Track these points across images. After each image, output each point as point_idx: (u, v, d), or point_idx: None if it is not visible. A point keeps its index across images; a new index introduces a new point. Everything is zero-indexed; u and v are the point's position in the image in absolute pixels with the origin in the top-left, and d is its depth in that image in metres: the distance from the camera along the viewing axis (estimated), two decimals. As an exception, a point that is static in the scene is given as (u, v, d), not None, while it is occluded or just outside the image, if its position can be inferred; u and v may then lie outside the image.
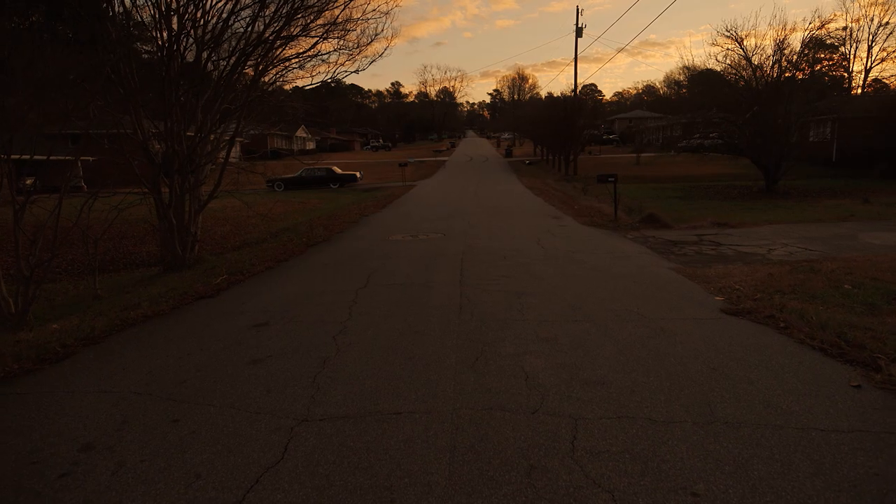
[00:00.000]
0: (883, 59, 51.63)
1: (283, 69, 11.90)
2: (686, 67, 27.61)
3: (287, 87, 13.55)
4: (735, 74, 24.38)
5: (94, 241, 9.24)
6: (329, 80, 12.40)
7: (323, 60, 12.53)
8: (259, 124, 14.62)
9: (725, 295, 6.09)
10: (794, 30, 39.17)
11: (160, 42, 9.51)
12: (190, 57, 9.90)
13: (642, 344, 4.46)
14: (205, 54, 10.09)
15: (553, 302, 5.95)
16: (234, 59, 10.11)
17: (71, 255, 13.95)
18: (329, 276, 8.10)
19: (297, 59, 11.83)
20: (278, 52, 11.62)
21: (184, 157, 10.27)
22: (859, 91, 47.43)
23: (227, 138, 11.19)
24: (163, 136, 10.05)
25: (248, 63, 10.75)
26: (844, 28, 50.42)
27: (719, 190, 24.80)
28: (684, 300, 5.93)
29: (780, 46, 22.48)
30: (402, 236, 12.01)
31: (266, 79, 11.31)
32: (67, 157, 15.54)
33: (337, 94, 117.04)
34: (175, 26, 9.21)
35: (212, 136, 11.42)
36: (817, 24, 26.40)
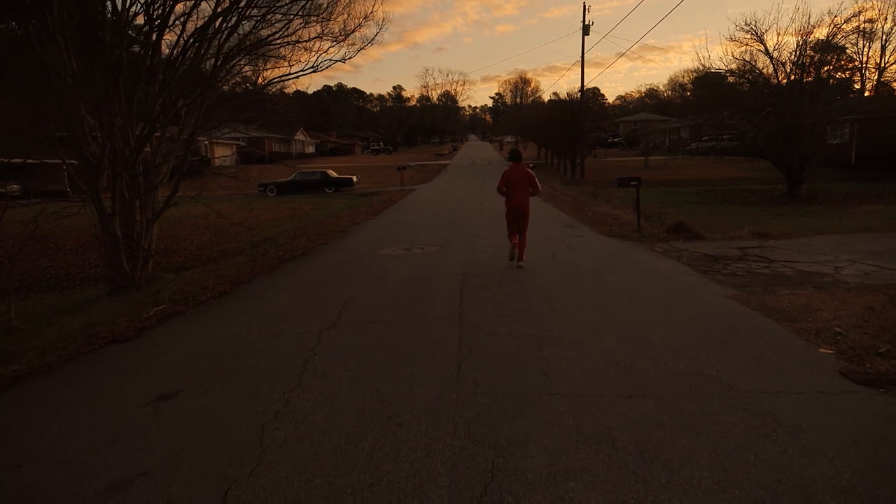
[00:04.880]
0: (897, 61, 49.79)
1: (254, 56, 10.23)
2: (702, 66, 25.80)
3: (264, 77, 11.85)
4: (754, 73, 22.63)
5: (10, 256, 7.52)
6: (311, 70, 10.69)
7: (306, 49, 10.84)
8: (234, 122, 12.95)
9: (830, 343, 4.34)
10: (819, 24, 36.92)
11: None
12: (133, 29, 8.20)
13: (756, 453, 2.71)
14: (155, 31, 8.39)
15: (590, 356, 4.21)
16: (190, 37, 8.41)
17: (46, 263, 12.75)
18: (293, 306, 6.37)
19: (271, 42, 10.15)
20: (251, 37, 9.97)
21: (130, 157, 8.57)
22: (871, 93, 45.53)
23: (186, 137, 9.47)
24: (104, 129, 8.33)
25: (212, 44, 9.06)
26: (857, 28, 48.59)
27: (737, 194, 23.08)
28: (775, 353, 4.19)
29: (805, 42, 20.78)
30: (394, 249, 10.29)
31: (231, 64, 9.61)
32: (40, 161, 14.01)
33: (339, 98, 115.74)
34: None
35: (168, 133, 9.75)
36: (846, 16, 24.71)
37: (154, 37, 8.54)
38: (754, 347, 4.31)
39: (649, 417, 3.11)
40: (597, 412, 3.20)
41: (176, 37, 8.51)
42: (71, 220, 8.90)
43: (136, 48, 8.62)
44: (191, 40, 8.37)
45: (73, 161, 8.97)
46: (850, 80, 49.59)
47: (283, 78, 11.15)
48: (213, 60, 9.31)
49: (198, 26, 8.37)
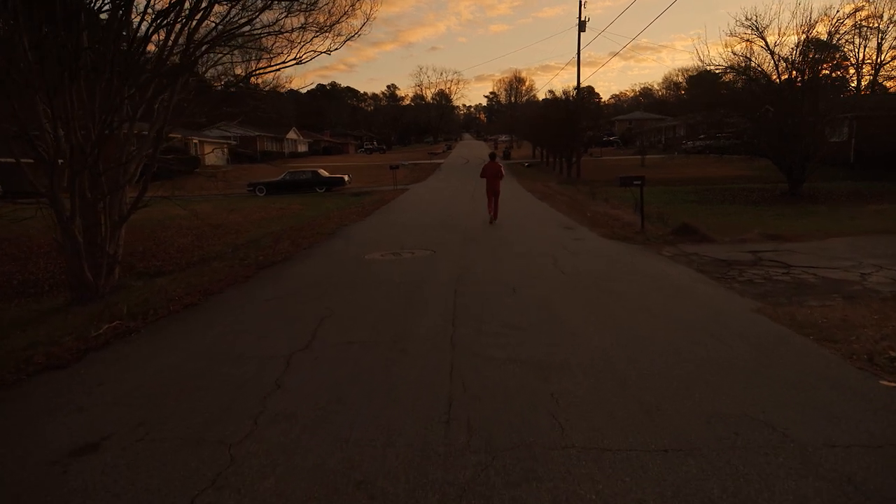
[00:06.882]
0: (894, 58, 49.39)
1: (232, 46, 9.48)
2: (700, 61, 25.25)
3: (245, 70, 11.07)
4: (754, 69, 22.01)
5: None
6: (293, 61, 9.93)
7: (289, 41, 10.09)
8: (213, 118, 12.18)
9: (891, 373, 3.66)
10: (821, 19, 36.17)
11: None
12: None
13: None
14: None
15: (605, 391, 3.51)
16: (157, 17, 7.61)
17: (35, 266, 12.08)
18: (264, 322, 5.63)
19: (251, 33, 9.41)
20: (226, 23, 9.20)
21: (91, 153, 7.78)
22: (867, 91, 45.16)
23: (155, 134, 8.69)
24: (60, 121, 7.53)
25: (183, 30, 8.28)
26: (856, 24, 48.15)
27: (737, 193, 22.54)
28: (827, 385, 3.50)
29: (807, 38, 20.20)
30: (383, 254, 9.56)
31: (205, 52, 8.84)
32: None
33: (332, 97, 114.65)
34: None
35: (137, 130, 8.98)
36: (847, 11, 24.19)
37: (121, 13, 7.76)
38: (800, 378, 3.63)
39: (694, 486, 2.41)
40: (625, 477, 2.49)
41: (139, 18, 7.73)
42: (45, 222, 8.17)
43: (98, 29, 7.83)
44: (159, 20, 7.60)
45: (29, 160, 8.20)
46: (846, 79, 49.27)
47: (265, 70, 10.39)
48: (184, 47, 8.53)
49: (164, 7, 7.60)
